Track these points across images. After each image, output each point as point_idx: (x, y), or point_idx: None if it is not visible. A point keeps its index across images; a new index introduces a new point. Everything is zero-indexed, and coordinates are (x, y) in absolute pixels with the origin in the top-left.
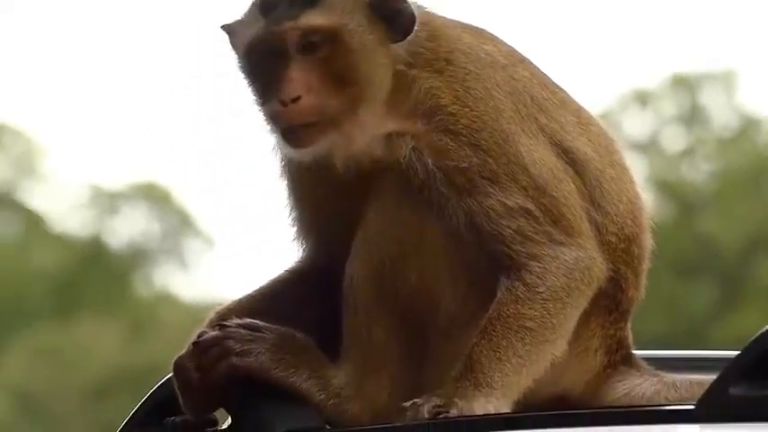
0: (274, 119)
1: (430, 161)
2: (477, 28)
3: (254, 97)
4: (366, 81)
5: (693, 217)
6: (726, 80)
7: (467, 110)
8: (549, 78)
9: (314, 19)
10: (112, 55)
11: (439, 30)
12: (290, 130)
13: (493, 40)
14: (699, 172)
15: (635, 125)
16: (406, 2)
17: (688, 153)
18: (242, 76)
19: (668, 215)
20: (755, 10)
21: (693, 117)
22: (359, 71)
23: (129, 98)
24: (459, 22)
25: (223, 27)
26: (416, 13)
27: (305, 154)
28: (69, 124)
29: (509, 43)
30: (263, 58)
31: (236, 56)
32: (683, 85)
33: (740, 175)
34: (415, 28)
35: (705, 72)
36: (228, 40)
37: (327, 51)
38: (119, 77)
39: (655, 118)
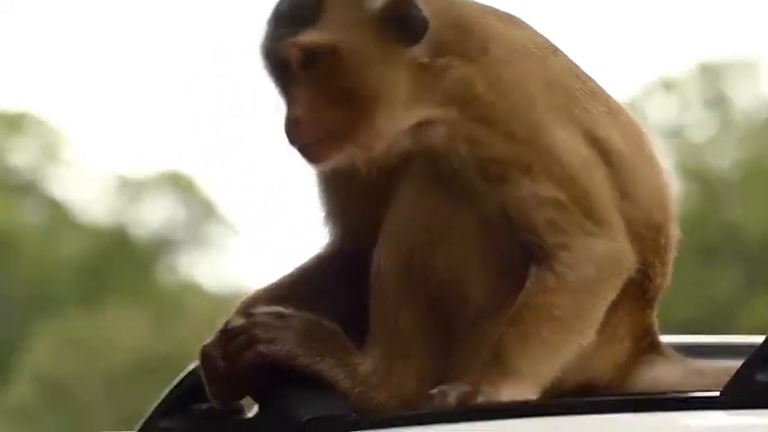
0: (287, 137)
1: (464, 150)
2: (511, 15)
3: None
4: (373, 93)
5: (718, 204)
6: (751, 68)
7: (501, 99)
8: (579, 68)
9: (313, 36)
10: (133, 42)
11: (471, 17)
12: (301, 147)
13: (525, 28)
14: (724, 159)
15: (661, 112)
16: (417, 8)
17: (713, 141)
18: None
19: (693, 202)
20: None
21: (718, 104)
22: (362, 85)
23: (152, 87)
24: (491, 8)
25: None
26: (429, 17)
27: (324, 167)
28: (93, 113)
29: (540, 32)
30: (271, 71)
31: None
32: (709, 72)
33: (765, 163)
34: (430, 23)
35: (730, 60)
36: None
37: (328, 67)
38: (140, 65)
39: (680, 105)
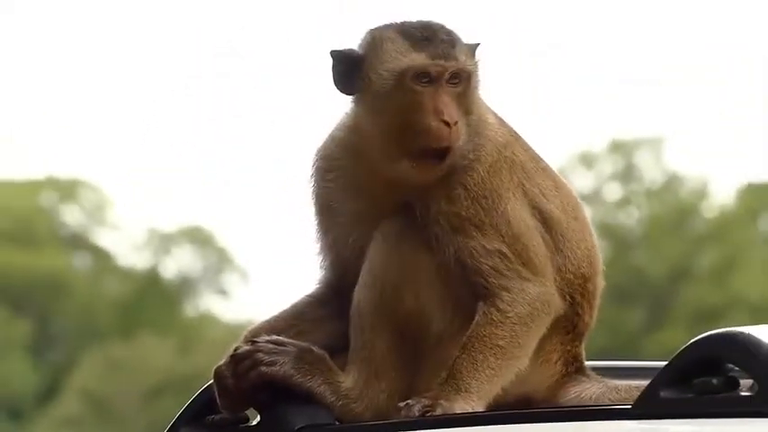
0: (438, 137)
1: (441, 204)
2: (494, 112)
3: (393, 119)
4: (475, 118)
5: (628, 253)
6: (655, 144)
7: (486, 176)
8: (534, 152)
9: (465, 61)
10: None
11: (479, 104)
12: (444, 150)
13: (503, 123)
14: (632, 218)
15: (582, 180)
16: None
17: (624, 203)
18: (370, 99)
19: (608, 252)
20: (681, 86)
21: (628, 174)
22: (475, 108)
23: (178, 148)
24: (485, 103)
25: (334, 53)
26: None
27: (440, 174)
28: (129, 175)
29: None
30: (416, 84)
31: (357, 78)
32: (620, 148)
33: (665, 220)
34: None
35: (638, 138)
36: (336, 65)
37: (463, 87)
38: (168, 126)
39: (597, 175)
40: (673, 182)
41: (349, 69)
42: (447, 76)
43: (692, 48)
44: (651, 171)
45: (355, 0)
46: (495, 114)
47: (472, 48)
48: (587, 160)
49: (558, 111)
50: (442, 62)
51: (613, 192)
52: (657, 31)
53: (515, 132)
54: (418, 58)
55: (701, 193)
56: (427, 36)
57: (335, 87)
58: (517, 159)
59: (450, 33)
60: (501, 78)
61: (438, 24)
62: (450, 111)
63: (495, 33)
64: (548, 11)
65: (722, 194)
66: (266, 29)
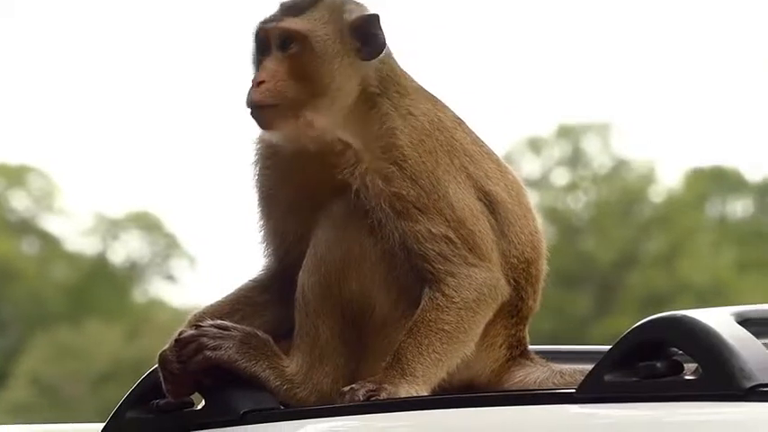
0: (246, 99)
1: (378, 183)
2: (433, 95)
3: None
4: (325, 80)
5: (575, 238)
6: (602, 129)
7: (415, 154)
8: (478, 137)
9: (292, 23)
10: (108, 92)
11: (408, 87)
12: (254, 109)
13: (443, 107)
14: (580, 202)
15: (529, 165)
16: (381, 30)
17: (571, 188)
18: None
19: (555, 237)
20: (628, 71)
21: (576, 159)
22: (319, 70)
23: (126, 135)
24: (422, 87)
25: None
26: (387, 47)
27: (271, 135)
28: (77, 162)
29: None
30: (256, 50)
31: None
32: (568, 133)
33: (613, 205)
34: (384, 56)
35: (585, 122)
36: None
37: (296, 50)
38: (115, 113)
39: (545, 160)
40: (620, 167)
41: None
42: (275, 40)
43: (637, 31)
44: (599, 156)
45: None
46: (432, 99)
47: (347, 17)
48: (535, 145)
49: (505, 95)
50: (262, 25)
51: (561, 177)
52: (604, 15)
53: (456, 117)
54: (258, 25)
55: (649, 178)
56: (280, 4)
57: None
58: (458, 144)
59: (299, 2)
60: (448, 63)
61: None
62: (261, 73)
63: (442, 18)
64: None
65: (670, 179)
66: (209, 17)
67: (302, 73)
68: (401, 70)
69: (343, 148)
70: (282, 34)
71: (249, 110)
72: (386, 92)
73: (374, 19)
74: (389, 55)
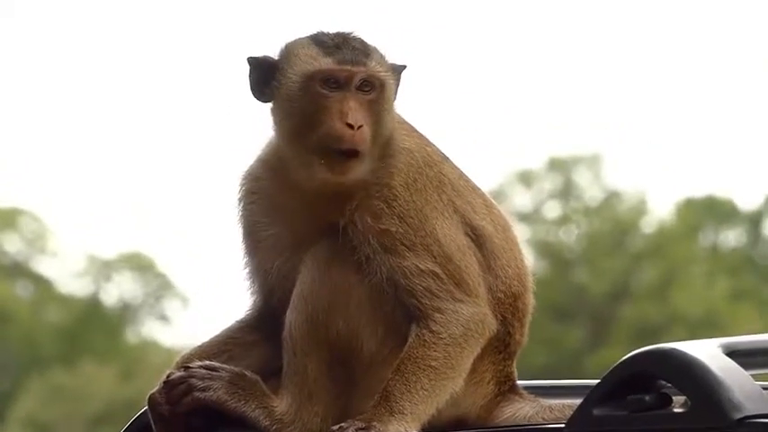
0: (339, 138)
1: (366, 220)
2: (420, 132)
3: (300, 122)
4: (388, 128)
5: (568, 271)
6: (593, 162)
7: (406, 193)
8: (464, 173)
9: (376, 68)
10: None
11: (400, 123)
12: (348, 153)
13: (430, 142)
14: (572, 235)
15: (521, 199)
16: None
17: (563, 220)
18: (281, 103)
19: (548, 270)
20: (618, 103)
21: (567, 191)
22: (387, 118)
23: (118, 176)
24: (404, 121)
25: (250, 59)
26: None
27: (344, 180)
28: (69, 204)
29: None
30: (324, 88)
31: (268, 84)
32: (559, 165)
33: (604, 237)
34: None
35: (576, 155)
36: (252, 71)
37: (375, 95)
38: (106, 154)
39: (536, 193)
40: (611, 199)
41: (264, 76)
42: (357, 82)
43: (627, 63)
44: (590, 188)
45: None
46: (419, 134)
47: (394, 66)
48: (526, 179)
49: (496, 130)
50: (349, 67)
51: (552, 210)
52: (594, 48)
53: (441, 152)
54: (326, 62)
55: (640, 210)
56: (338, 43)
57: (252, 95)
58: (445, 179)
59: (363, 43)
60: (438, 98)
61: (353, 35)
62: (356, 115)
63: (431, 52)
64: (483, 28)
65: (661, 210)
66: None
67: (377, 119)
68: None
69: (349, 188)
70: (370, 78)
71: (331, 152)
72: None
73: (403, 68)
74: None
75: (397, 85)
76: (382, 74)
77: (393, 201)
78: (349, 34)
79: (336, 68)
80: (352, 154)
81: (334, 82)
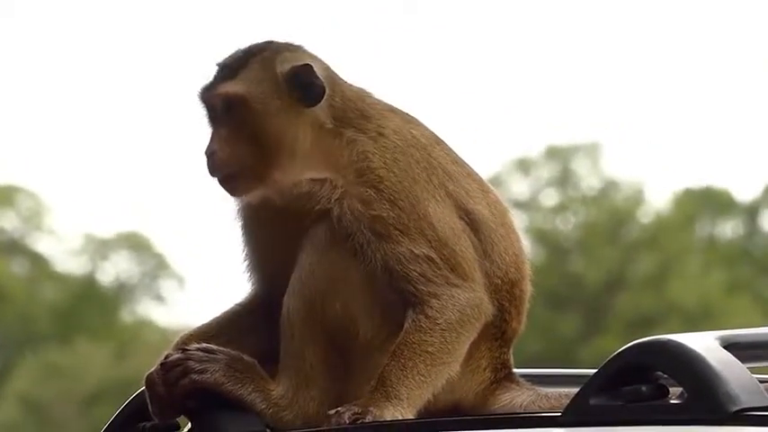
0: (207, 170)
1: (357, 208)
2: (407, 113)
3: None
4: (275, 138)
5: (564, 259)
6: (591, 150)
7: (391, 174)
8: (459, 157)
9: (228, 87)
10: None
11: (374, 108)
12: (220, 180)
13: (419, 125)
14: (568, 223)
15: (518, 186)
16: (316, 76)
17: (560, 209)
18: None
19: (544, 258)
20: (617, 91)
21: (565, 180)
22: (266, 129)
23: (116, 154)
24: (394, 107)
25: None
26: (327, 86)
27: (241, 199)
28: (66, 181)
29: (429, 127)
30: (205, 115)
31: None
32: (557, 154)
33: (601, 226)
34: (328, 94)
35: (574, 143)
36: None
37: (241, 114)
38: (105, 132)
39: (534, 181)
40: (609, 188)
41: None
42: (217, 107)
43: (626, 52)
44: (587, 177)
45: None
46: (405, 117)
47: (270, 72)
48: (524, 166)
49: (494, 116)
50: (203, 93)
51: (550, 198)
52: (593, 35)
53: (434, 136)
54: (198, 92)
55: (638, 199)
56: (214, 70)
57: None
58: (436, 162)
59: (236, 59)
60: (437, 85)
61: (237, 52)
62: (209, 143)
63: (431, 41)
64: (481, 17)
65: (658, 200)
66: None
67: (252, 135)
68: (359, 93)
69: (319, 183)
70: (223, 100)
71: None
72: (346, 121)
73: (307, 69)
74: (339, 86)
75: (311, 82)
76: (237, 90)
77: (380, 184)
78: (234, 53)
79: (200, 98)
80: (221, 180)
81: (207, 113)
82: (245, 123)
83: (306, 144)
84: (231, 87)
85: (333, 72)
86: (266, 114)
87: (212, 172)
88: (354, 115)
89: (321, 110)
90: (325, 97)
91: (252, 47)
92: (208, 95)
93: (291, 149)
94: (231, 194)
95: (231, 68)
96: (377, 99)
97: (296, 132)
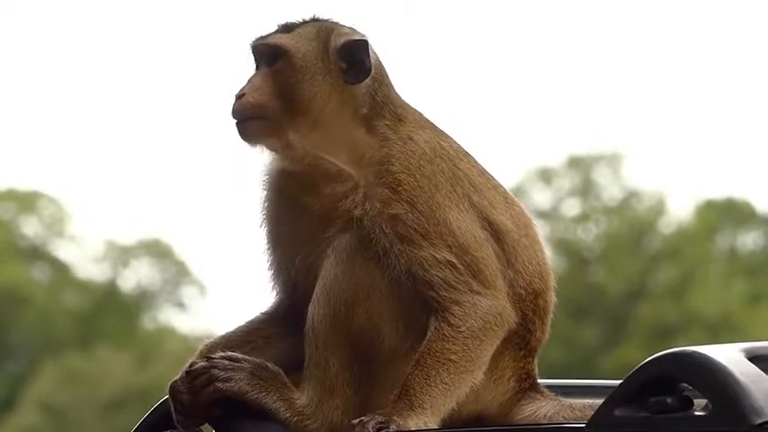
0: (231, 112)
1: (376, 206)
2: (437, 126)
3: None
4: (305, 97)
5: (586, 269)
6: (613, 160)
7: (411, 179)
8: (485, 169)
9: (277, 39)
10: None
11: (411, 116)
12: (238, 121)
13: (448, 138)
14: (590, 234)
15: (540, 196)
16: (368, 56)
17: (582, 219)
18: None
19: (565, 268)
20: (638, 103)
21: (586, 190)
22: (299, 87)
23: (138, 161)
24: (427, 118)
25: None
26: (374, 71)
27: (251, 144)
28: (88, 188)
29: (458, 141)
30: (253, 63)
31: None
32: (578, 163)
33: (623, 236)
34: (377, 83)
35: (596, 153)
36: None
37: (281, 66)
38: (127, 139)
39: (556, 191)
40: (631, 198)
41: None
42: (261, 55)
43: (649, 62)
44: (609, 187)
45: None
46: (436, 129)
47: (325, 36)
48: (546, 176)
49: (516, 127)
50: (253, 42)
51: (572, 208)
52: (615, 46)
53: (461, 148)
54: (251, 41)
55: (659, 210)
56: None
57: None
58: (461, 173)
59: (297, 22)
60: (458, 95)
61: (308, 17)
62: (245, 85)
63: (452, 48)
64: (503, 27)
65: (680, 211)
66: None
67: (284, 88)
68: (401, 100)
69: (340, 174)
70: (268, 50)
71: (234, 122)
72: (381, 116)
73: (362, 44)
74: (386, 83)
75: (362, 59)
76: (284, 42)
77: (398, 186)
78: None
79: (250, 47)
80: (238, 123)
81: (254, 61)
82: (282, 76)
83: (332, 117)
84: (279, 39)
85: (386, 72)
86: (304, 72)
87: (233, 114)
88: (391, 116)
89: (361, 94)
90: (369, 83)
91: (317, 17)
92: (257, 43)
93: (317, 116)
94: (241, 137)
95: (288, 26)
96: (416, 110)
97: (327, 101)
